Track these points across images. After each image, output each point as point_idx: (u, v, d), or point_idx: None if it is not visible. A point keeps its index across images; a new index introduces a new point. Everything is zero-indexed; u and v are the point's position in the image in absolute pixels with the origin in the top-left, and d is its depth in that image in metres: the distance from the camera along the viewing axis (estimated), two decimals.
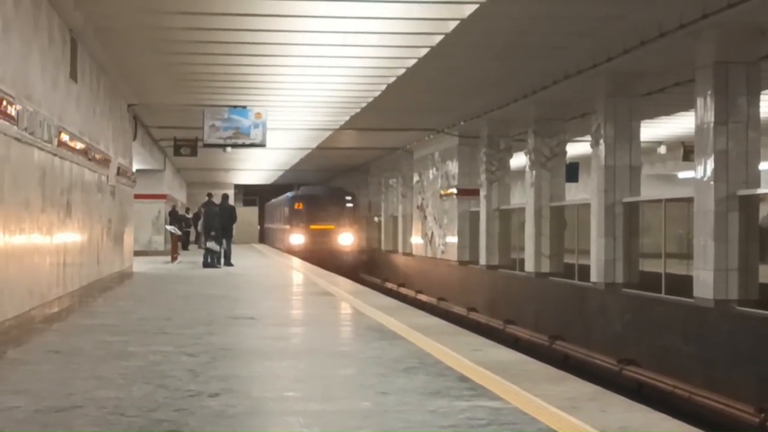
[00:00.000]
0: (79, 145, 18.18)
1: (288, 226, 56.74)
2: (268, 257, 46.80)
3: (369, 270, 53.48)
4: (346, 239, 55.15)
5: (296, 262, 42.22)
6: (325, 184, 69.44)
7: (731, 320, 17.83)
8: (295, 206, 56.05)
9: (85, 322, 16.33)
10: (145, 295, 22.48)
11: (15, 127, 12.80)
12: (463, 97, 28.27)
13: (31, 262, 14.43)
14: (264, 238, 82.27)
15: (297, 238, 54.90)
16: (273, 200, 73.47)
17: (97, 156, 20.67)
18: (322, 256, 49.16)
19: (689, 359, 18.59)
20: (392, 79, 24.19)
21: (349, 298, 21.47)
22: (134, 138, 30.46)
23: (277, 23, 18.60)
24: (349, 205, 56.85)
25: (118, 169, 25.00)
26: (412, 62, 21.83)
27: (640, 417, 8.42)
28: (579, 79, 23.57)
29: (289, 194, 58.90)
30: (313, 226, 54.87)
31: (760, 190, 19.20)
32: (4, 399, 9.15)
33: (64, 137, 16.45)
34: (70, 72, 17.69)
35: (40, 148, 14.66)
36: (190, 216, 54.94)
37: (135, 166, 33.10)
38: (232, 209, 37.21)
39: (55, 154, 15.88)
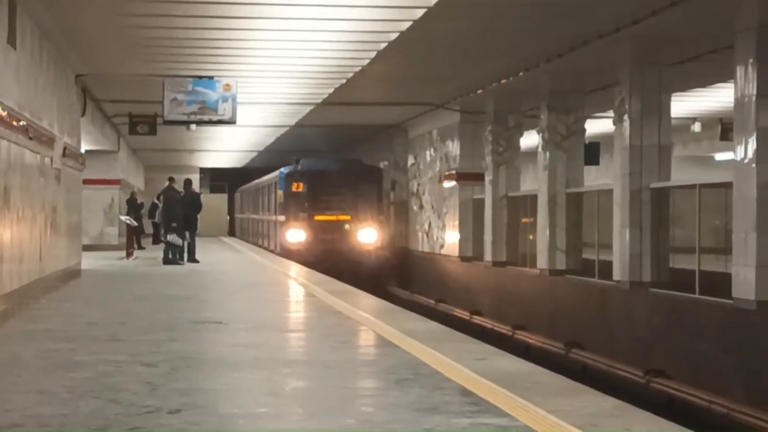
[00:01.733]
0: (19, 122, 18.15)
1: (281, 217, 43.34)
2: (239, 252, 46.72)
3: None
4: (369, 236, 42.00)
5: (271, 257, 42.10)
6: (334, 154, 57.28)
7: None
8: (293, 187, 42.43)
9: (26, 328, 16.31)
10: (96, 296, 22.48)
11: None
12: (466, 65, 28.26)
13: None
14: (240, 231, 73.95)
15: (295, 235, 41.72)
16: (256, 181, 60.98)
17: (40, 135, 20.64)
18: (332, 262, 38.01)
19: (728, 369, 18.63)
20: (383, 45, 24.18)
21: (324, 292, 21.52)
22: (83, 114, 30.41)
23: None
24: (374, 184, 43.46)
25: (64, 150, 24.95)
26: (406, 25, 21.81)
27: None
28: (600, 45, 23.57)
29: (282, 170, 44.08)
30: (319, 217, 41.84)
31: None
32: None
33: (1, 112, 16.43)
34: (8, 37, 17.66)
35: None
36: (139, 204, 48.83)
37: (84, 147, 33.08)
38: (197, 197, 37.25)
39: None
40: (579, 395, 10.41)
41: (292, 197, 42.64)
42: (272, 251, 45.80)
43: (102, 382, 10.96)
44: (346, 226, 42.09)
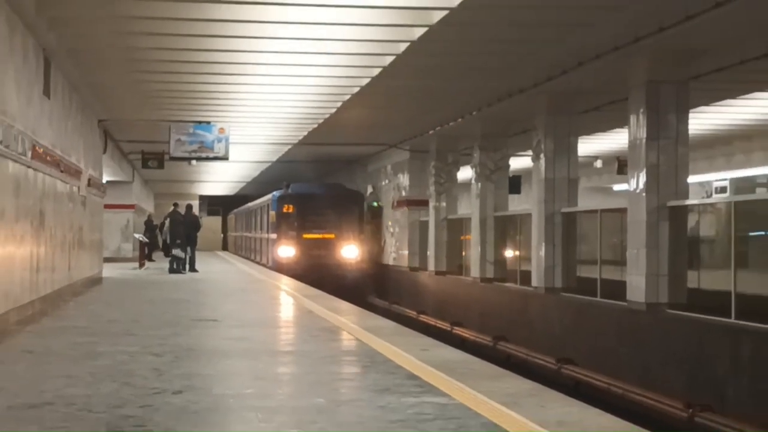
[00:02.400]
0: (52, 158, 18.10)
1: (273, 235, 40.11)
2: (231, 263, 46.57)
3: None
4: (351, 252, 39.27)
5: (258, 268, 41.95)
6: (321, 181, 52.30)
7: (663, 323, 17.94)
8: (284, 209, 39.55)
9: (57, 324, 16.22)
10: (114, 300, 22.38)
11: None
12: (414, 114, 28.30)
13: (6, 268, 14.35)
14: (234, 247, 69.73)
15: (285, 251, 38.75)
16: (249, 204, 57.11)
17: (69, 168, 20.58)
18: (319, 275, 35.18)
19: (624, 358, 18.68)
20: (347, 97, 24.21)
21: (301, 296, 21.49)
22: (104, 151, 30.36)
23: (240, 44, 18.61)
24: (355, 206, 40.54)
25: (89, 180, 24.89)
26: (365, 81, 21.85)
27: (576, 412, 8.43)
28: (521, 98, 23.67)
29: (275, 193, 40.91)
30: (307, 235, 38.95)
31: (689, 201, 19.36)
32: None
33: (38, 150, 16.38)
34: (43, 89, 17.62)
35: (15, 161, 14.59)
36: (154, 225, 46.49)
37: (105, 178, 32.98)
38: (197, 219, 37.29)
39: (29, 166, 15.81)
40: (503, 379, 10.43)
41: (283, 217, 39.47)
42: (263, 265, 42.62)
43: (118, 368, 10.91)
44: (331, 243, 39.16)
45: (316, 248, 38.67)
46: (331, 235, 39.02)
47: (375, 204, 43.77)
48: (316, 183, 45.68)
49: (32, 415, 8.15)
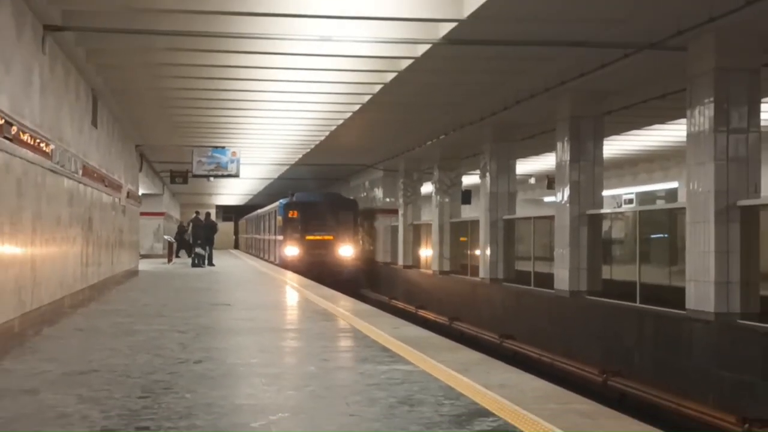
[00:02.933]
0: (99, 176, 18.12)
1: (281, 237, 37.60)
2: (242, 260, 46.36)
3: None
4: (347, 251, 36.59)
5: (263, 263, 41.85)
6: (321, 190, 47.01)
7: (582, 306, 18.02)
8: (290, 215, 37.04)
9: (102, 308, 16.18)
10: (148, 288, 22.31)
11: (49, 162, 12.76)
12: (386, 141, 28.36)
13: (61, 262, 14.35)
14: (245, 247, 66.73)
15: (291, 250, 36.39)
16: (257, 211, 54.33)
17: (112, 183, 20.58)
18: (320, 270, 33.17)
19: (552, 335, 18.75)
20: (333, 127, 24.26)
21: (296, 286, 21.50)
22: (140, 170, 30.34)
23: (249, 85, 18.67)
24: (350, 212, 37.76)
25: (128, 193, 24.86)
26: (348, 114, 21.91)
27: (514, 377, 8.48)
28: (472, 128, 23.73)
29: (282, 201, 38.41)
30: (309, 237, 36.42)
31: (603, 210, 19.47)
32: (40, 365, 9.09)
33: (88, 169, 16.40)
34: (92, 121, 17.63)
35: (69, 177, 14.60)
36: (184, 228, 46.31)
37: (141, 191, 32.94)
38: (214, 223, 37.21)
39: (80, 182, 15.81)
40: (457, 351, 10.46)
41: (288, 221, 36.78)
42: (271, 262, 40.44)
43: (151, 343, 10.91)
44: (330, 244, 36.33)
45: (317, 248, 36.17)
46: (330, 237, 36.41)
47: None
48: (317, 192, 42.13)
49: (81, 380, 8.15)
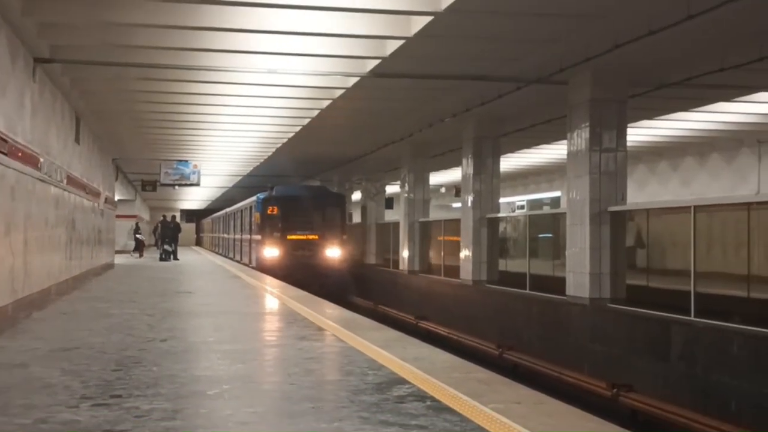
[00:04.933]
0: (80, 184, 17.85)
1: (258, 236, 28.23)
2: (202, 255, 45.80)
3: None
4: (334, 252, 27.10)
5: (220, 257, 41.36)
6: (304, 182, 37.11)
7: (483, 293, 18.15)
8: (268, 211, 27.74)
9: (83, 295, 15.93)
10: (122, 278, 21.99)
11: (38, 172, 12.54)
12: (322, 156, 28.22)
13: (49, 256, 14.08)
14: (212, 246, 55.37)
15: (270, 252, 27.10)
16: (228, 208, 42.75)
17: (92, 190, 20.27)
18: (303, 275, 24.93)
19: (456, 315, 18.85)
20: (279, 145, 24.08)
21: (246, 277, 21.34)
22: (116, 179, 29.87)
23: (208, 109, 18.49)
24: (337, 208, 28.18)
25: (105, 199, 24.45)
26: (291, 135, 21.78)
27: (426, 351, 8.50)
28: (393, 147, 23.81)
29: (259, 195, 28.74)
30: (291, 236, 27.10)
31: (500, 215, 19.65)
32: (30, 343, 8.92)
33: (72, 178, 16.13)
34: (75, 138, 17.33)
35: (55, 185, 14.34)
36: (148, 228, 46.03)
37: (116, 197, 32.40)
38: (178, 224, 36.81)
39: (64, 189, 15.53)
40: (381, 330, 10.45)
41: (267, 219, 27.50)
42: (245, 264, 30.89)
43: (124, 324, 10.76)
44: (315, 244, 26.95)
45: (300, 249, 26.91)
46: (315, 236, 27.08)
47: None
48: (300, 185, 33.61)
49: (64, 356, 8.01)
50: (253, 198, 29.58)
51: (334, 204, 28.06)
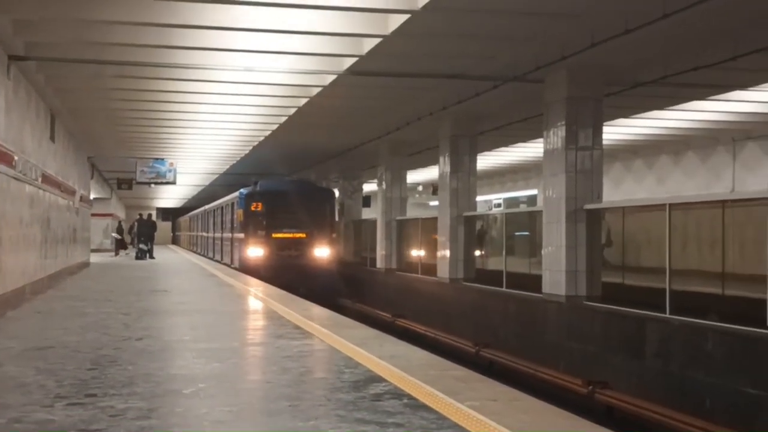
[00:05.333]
0: (55, 182, 17.73)
1: (241, 235, 26.13)
2: (178, 253, 45.67)
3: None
4: (323, 252, 25.33)
5: (195, 256, 41.17)
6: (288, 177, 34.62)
7: (459, 290, 18.18)
8: (252, 207, 25.60)
9: (58, 294, 15.84)
10: (97, 277, 21.88)
11: (13, 170, 12.44)
12: (300, 154, 28.14)
13: (24, 255, 13.97)
14: (189, 245, 53.04)
15: (254, 251, 25.07)
16: (208, 205, 40.12)
17: (67, 189, 20.15)
18: (290, 276, 23.13)
19: (434, 313, 18.86)
20: (256, 143, 23.99)
21: (222, 275, 21.27)
22: (92, 177, 29.70)
23: (184, 107, 18.41)
24: (326, 204, 26.36)
25: (81, 197, 24.32)
26: (267, 132, 21.70)
27: (403, 349, 8.53)
28: (370, 145, 23.82)
29: (242, 191, 26.61)
30: (277, 234, 25.14)
31: (476, 213, 19.70)
32: (4, 342, 8.86)
33: (47, 176, 16.02)
34: (50, 136, 17.22)
35: (30, 184, 14.24)
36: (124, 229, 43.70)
37: (92, 195, 32.23)
38: (155, 223, 36.65)
39: (39, 188, 15.42)
40: (357, 328, 10.47)
41: (251, 216, 25.36)
42: (226, 265, 28.77)
43: (100, 323, 10.70)
44: (303, 243, 25.06)
45: (287, 248, 24.99)
46: (302, 235, 25.20)
47: None
48: (285, 180, 30.75)
49: (39, 355, 7.96)
50: (236, 194, 27.62)
51: (323, 200, 26.29)
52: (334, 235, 26.08)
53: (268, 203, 25.39)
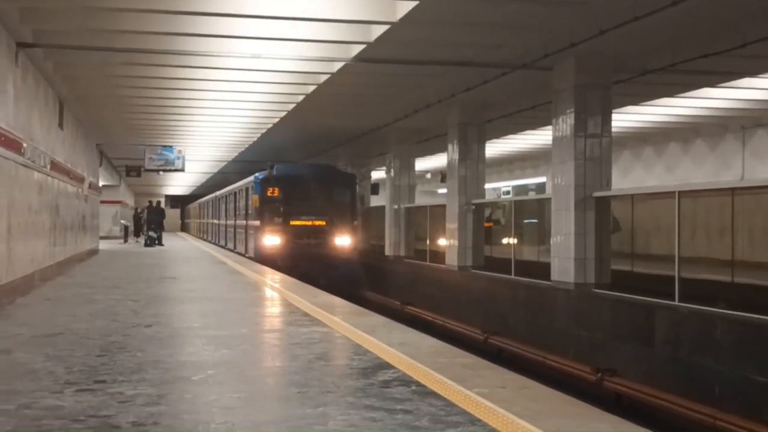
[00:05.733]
0: (65, 169, 17.76)
1: (256, 222, 24.56)
2: (187, 240, 45.75)
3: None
4: (344, 240, 23.79)
5: (205, 243, 41.20)
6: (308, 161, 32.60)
7: (470, 277, 18.18)
8: (268, 192, 24.12)
9: (67, 281, 15.88)
10: (106, 264, 21.93)
11: (22, 158, 12.46)
12: (308, 141, 28.11)
13: (33, 242, 14.01)
14: (199, 233, 51.68)
15: (270, 240, 23.59)
16: (220, 191, 38.37)
17: (76, 176, 20.18)
18: (309, 266, 22.25)
19: (443, 300, 18.87)
20: (264, 130, 23.99)
21: (233, 262, 21.29)
22: (100, 165, 29.72)
23: (192, 94, 18.40)
24: (348, 190, 24.85)
25: (90, 184, 24.35)
26: (276, 120, 21.70)
27: (412, 336, 8.52)
28: (378, 132, 23.75)
29: (257, 175, 25.09)
30: (295, 222, 23.66)
31: (485, 200, 19.68)
32: (13, 329, 8.87)
33: (56, 163, 16.05)
34: (58, 123, 17.24)
35: (39, 171, 14.26)
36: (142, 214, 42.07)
37: (101, 183, 32.30)
38: (163, 210, 36.74)
39: (48, 175, 15.45)
40: (366, 315, 10.45)
41: (267, 202, 23.78)
42: (240, 254, 27.19)
43: (108, 310, 10.72)
44: (323, 232, 23.47)
45: (305, 236, 23.37)
46: (323, 222, 23.61)
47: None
48: (304, 164, 29.37)
49: (48, 342, 7.97)
50: (250, 178, 25.88)
51: (344, 185, 24.66)
52: (355, 223, 24.49)
53: (286, 188, 23.90)
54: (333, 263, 22.86)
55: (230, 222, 32.36)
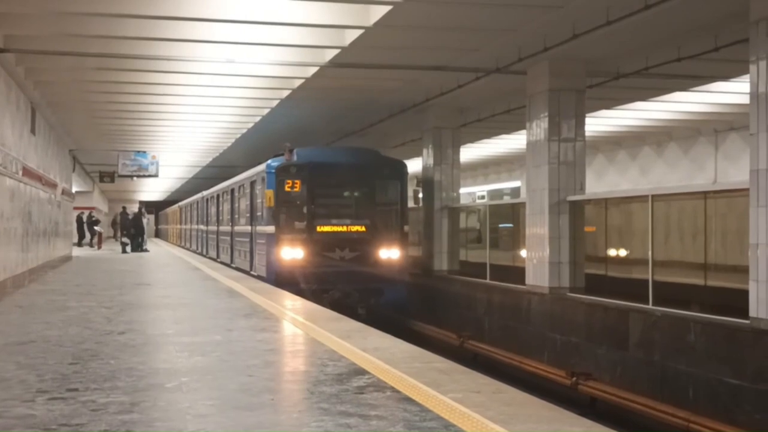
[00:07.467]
0: (37, 175, 17.63)
1: (268, 228, 17.15)
2: (162, 246, 45.42)
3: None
4: (392, 253, 16.90)
5: (178, 249, 40.86)
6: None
7: (447, 282, 18.17)
8: (286, 186, 16.65)
9: (40, 288, 15.73)
10: (79, 270, 21.74)
11: None
12: (306, 133, 27.98)
13: (5, 249, 13.90)
14: (180, 240, 46.08)
15: (289, 253, 16.48)
16: (214, 188, 29.08)
17: (49, 182, 20.03)
18: (342, 288, 16.35)
19: (423, 304, 18.83)
20: (238, 135, 23.96)
21: (209, 270, 21.16)
22: (73, 170, 29.53)
23: (166, 99, 18.33)
24: (396, 182, 17.47)
25: (62, 190, 24.19)
26: (250, 125, 21.68)
27: (388, 342, 8.49)
28: (353, 137, 23.71)
29: (271, 163, 17.18)
30: (323, 227, 16.60)
31: (459, 204, 19.71)
32: None
33: (27, 169, 15.93)
34: (30, 128, 17.12)
35: (11, 177, 14.16)
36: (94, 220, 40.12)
37: (74, 189, 32.07)
38: (139, 217, 36.50)
39: (20, 181, 15.34)
40: (341, 321, 10.36)
41: (284, 198, 16.90)
42: (245, 272, 20.20)
43: (81, 317, 10.63)
44: (362, 240, 16.84)
45: (337, 246, 16.70)
46: (362, 228, 16.96)
47: None
48: (333, 148, 22.86)
49: (20, 349, 7.90)
50: (260, 167, 18.81)
51: (390, 176, 17.70)
52: (406, 228, 17.67)
53: (311, 180, 17.04)
54: (376, 285, 16.84)
55: (224, 228, 25.44)
